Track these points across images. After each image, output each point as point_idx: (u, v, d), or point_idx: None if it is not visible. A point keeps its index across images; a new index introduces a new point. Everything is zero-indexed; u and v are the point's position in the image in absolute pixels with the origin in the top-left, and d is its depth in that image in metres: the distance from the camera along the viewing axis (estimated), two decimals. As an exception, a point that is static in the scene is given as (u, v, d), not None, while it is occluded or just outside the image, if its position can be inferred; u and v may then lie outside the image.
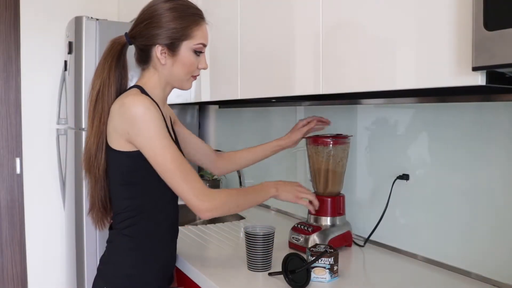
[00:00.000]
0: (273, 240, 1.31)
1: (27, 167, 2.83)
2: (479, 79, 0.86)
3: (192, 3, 1.28)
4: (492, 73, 0.86)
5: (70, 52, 2.40)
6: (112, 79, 1.25)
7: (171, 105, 1.59)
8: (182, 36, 1.22)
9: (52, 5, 2.87)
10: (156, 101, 1.24)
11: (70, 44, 2.39)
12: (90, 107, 1.25)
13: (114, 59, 1.26)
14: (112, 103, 1.23)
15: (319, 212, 1.49)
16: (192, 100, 2.10)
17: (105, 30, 2.29)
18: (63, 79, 2.67)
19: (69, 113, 2.53)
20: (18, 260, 2.81)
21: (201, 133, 2.86)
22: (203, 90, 1.97)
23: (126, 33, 1.28)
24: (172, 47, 1.23)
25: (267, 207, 2.19)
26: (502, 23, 0.75)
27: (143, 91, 1.24)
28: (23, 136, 2.82)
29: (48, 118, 2.86)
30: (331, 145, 1.50)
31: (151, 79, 1.27)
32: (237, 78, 1.69)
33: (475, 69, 0.81)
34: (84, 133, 2.25)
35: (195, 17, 1.25)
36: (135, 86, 1.26)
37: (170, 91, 1.33)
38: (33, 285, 2.85)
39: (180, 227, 1.41)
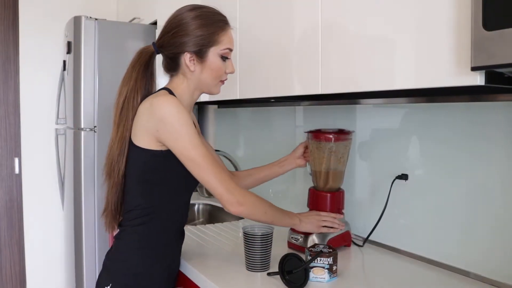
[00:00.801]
0: (271, 240, 1.30)
1: (26, 167, 2.83)
2: (478, 79, 0.86)
3: (216, 10, 1.30)
4: (491, 73, 0.86)
5: (69, 52, 2.40)
6: (139, 87, 1.28)
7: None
8: (209, 42, 1.25)
9: (51, 5, 2.87)
10: (184, 106, 1.25)
11: (69, 44, 2.39)
12: (116, 114, 1.27)
13: (142, 68, 1.28)
14: (137, 110, 1.25)
15: (319, 209, 1.49)
16: (191, 100, 2.09)
17: (104, 30, 2.29)
18: (62, 79, 2.67)
19: (68, 113, 2.53)
20: (17, 260, 2.81)
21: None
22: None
23: (153, 43, 1.30)
24: (200, 54, 1.25)
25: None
26: (501, 23, 0.75)
27: (171, 92, 1.26)
28: (22, 136, 2.82)
29: (47, 118, 2.86)
30: (333, 141, 1.49)
31: (180, 86, 1.29)
32: (236, 78, 1.69)
33: (474, 69, 0.81)
34: (83, 133, 2.25)
35: (221, 23, 1.28)
36: (164, 88, 1.28)
37: (198, 96, 1.35)
38: (31, 285, 2.85)
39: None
